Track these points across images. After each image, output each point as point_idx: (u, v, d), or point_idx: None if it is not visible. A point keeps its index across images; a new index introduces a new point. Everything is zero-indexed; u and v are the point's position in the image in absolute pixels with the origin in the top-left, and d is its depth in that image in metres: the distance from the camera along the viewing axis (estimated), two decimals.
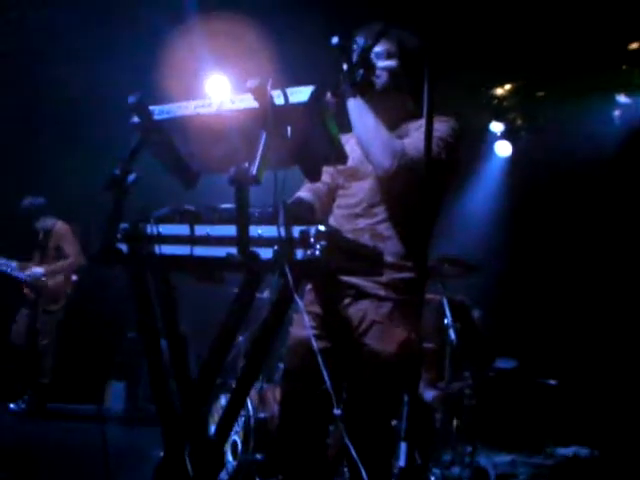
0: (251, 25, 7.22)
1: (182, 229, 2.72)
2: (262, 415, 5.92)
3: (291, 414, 3.64)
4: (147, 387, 9.75)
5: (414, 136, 3.46)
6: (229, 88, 8.61)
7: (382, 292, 3.45)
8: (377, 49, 3.53)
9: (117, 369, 10.00)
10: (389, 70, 3.60)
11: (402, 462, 2.61)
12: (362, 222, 3.55)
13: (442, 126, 3.48)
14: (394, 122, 3.62)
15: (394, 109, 3.67)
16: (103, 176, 2.85)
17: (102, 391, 9.92)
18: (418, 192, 3.02)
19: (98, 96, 8.47)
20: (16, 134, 9.25)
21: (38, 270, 8.78)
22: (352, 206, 3.62)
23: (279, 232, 2.45)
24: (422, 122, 3.01)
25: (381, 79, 3.58)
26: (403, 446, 2.66)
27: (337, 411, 2.56)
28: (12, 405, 8.64)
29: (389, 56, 3.62)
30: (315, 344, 2.89)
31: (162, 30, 7.43)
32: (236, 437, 5.84)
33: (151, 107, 2.91)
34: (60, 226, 8.96)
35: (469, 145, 9.64)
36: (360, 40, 3.50)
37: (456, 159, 3.58)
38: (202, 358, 2.74)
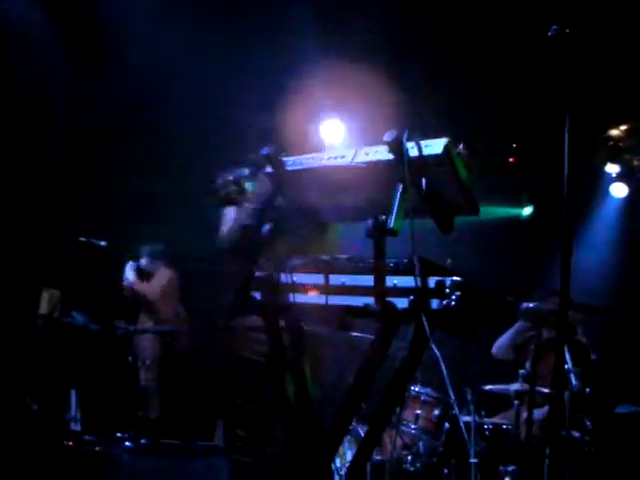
0: (367, 70, 7.29)
1: (317, 278, 2.78)
2: (378, 458, 5.93)
3: None
4: None
5: None
6: (344, 133, 8.69)
7: None
8: None
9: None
10: None
11: None
12: None
13: None
14: None
15: None
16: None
17: (212, 429, 10.05)
18: None
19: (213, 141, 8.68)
20: (134, 182, 9.54)
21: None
22: None
23: (415, 282, 2.48)
24: None
25: None
26: None
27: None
28: (127, 443, 8.81)
29: None
30: None
31: (281, 76, 7.57)
32: None
33: (284, 158, 2.99)
34: (169, 277, 9.23)
35: (585, 186, 9.57)
36: None
37: None
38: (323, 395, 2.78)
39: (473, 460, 4.90)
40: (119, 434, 8.99)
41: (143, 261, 9.21)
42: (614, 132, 9.50)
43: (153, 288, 9.07)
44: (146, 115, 8.51)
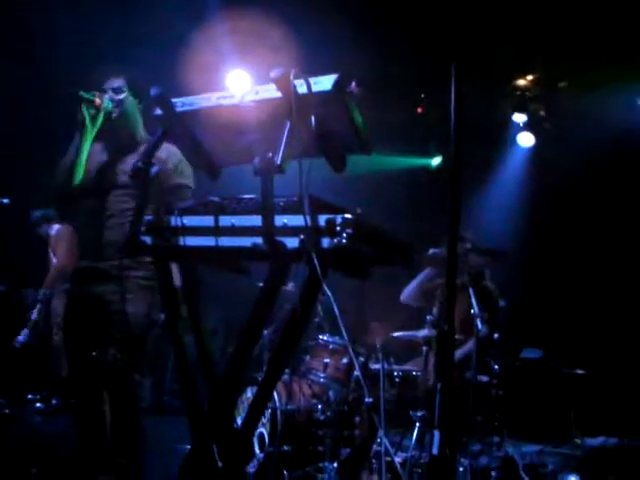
0: (273, 21, 7.20)
1: (207, 220, 2.71)
2: (289, 407, 5.92)
3: None
4: (172, 382, 9.79)
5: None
6: (250, 83, 8.57)
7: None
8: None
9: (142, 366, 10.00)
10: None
11: (435, 450, 2.58)
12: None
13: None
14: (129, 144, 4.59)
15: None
16: None
17: None
18: None
19: None
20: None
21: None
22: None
23: (305, 221, 2.43)
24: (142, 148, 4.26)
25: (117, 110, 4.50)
26: (436, 434, 2.63)
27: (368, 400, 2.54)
28: (38, 404, 8.69)
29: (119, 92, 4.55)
30: None
31: (183, 26, 7.42)
32: (263, 429, 5.84)
33: (173, 99, 2.91)
34: (57, 229, 8.98)
35: (492, 136, 9.66)
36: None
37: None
38: (229, 351, 2.73)
39: (369, 400, 4.92)
40: (30, 396, 8.87)
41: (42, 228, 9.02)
42: (521, 82, 9.58)
43: (60, 257, 8.89)
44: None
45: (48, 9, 7.46)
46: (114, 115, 4.44)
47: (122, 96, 4.53)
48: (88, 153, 4.37)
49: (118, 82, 4.55)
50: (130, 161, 4.43)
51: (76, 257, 8.63)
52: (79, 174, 4.35)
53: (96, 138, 4.42)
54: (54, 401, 8.71)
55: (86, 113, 4.30)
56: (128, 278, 4.36)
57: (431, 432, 5.36)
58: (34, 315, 8.78)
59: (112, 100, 4.44)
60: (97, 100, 4.33)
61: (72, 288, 4.85)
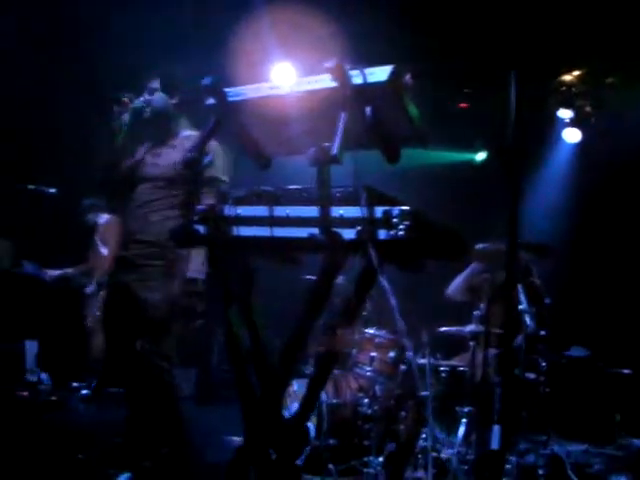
0: (317, 13, 7.19)
1: (261, 210, 2.69)
2: (335, 401, 5.92)
3: None
4: (219, 372, 9.81)
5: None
6: (295, 77, 8.56)
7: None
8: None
9: (187, 356, 10.05)
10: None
11: (495, 445, 2.53)
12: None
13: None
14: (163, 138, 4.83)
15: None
16: None
17: None
18: None
19: None
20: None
21: (53, 273, 8.94)
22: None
23: (362, 212, 2.41)
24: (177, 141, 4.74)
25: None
26: (496, 429, 2.59)
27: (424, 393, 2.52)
28: (84, 391, 8.76)
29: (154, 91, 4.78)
30: None
31: (229, 19, 7.43)
32: (309, 423, 5.83)
33: (225, 89, 2.91)
34: (106, 219, 9.02)
35: (538, 132, 9.56)
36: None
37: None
38: (281, 342, 2.72)
39: (425, 393, 4.91)
40: (74, 383, 8.95)
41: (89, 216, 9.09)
42: (567, 78, 9.48)
43: (110, 247, 8.93)
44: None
45: (96, 4, 7.51)
46: (145, 112, 4.69)
47: (154, 94, 4.75)
48: (122, 149, 4.51)
49: (156, 83, 4.79)
50: (164, 155, 4.62)
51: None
52: (114, 169, 4.67)
53: (130, 134, 4.55)
54: (95, 387, 8.77)
55: (117, 113, 4.57)
56: (150, 266, 4.48)
57: (477, 429, 5.36)
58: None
59: (144, 99, 4.68)
60: (125, 100, 4.57)
61: (108, 278, 4.99)
